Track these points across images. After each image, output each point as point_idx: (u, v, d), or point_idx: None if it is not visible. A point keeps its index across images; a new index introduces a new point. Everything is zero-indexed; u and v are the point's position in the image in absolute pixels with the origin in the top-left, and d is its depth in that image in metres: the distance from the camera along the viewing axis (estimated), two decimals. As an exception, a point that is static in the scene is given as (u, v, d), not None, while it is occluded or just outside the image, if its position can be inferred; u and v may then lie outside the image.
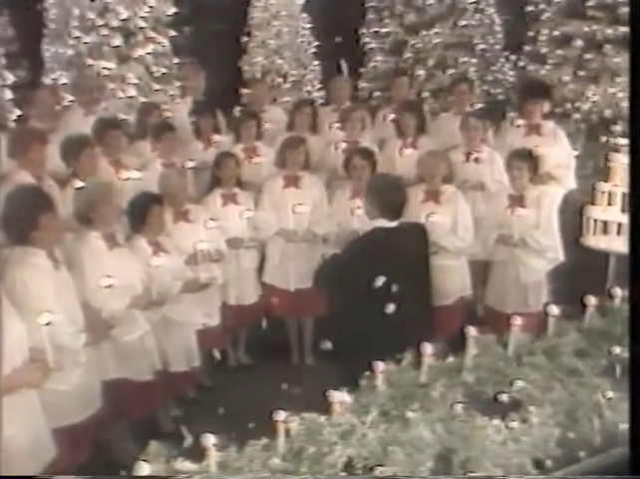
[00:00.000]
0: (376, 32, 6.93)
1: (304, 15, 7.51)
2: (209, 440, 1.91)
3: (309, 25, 7.45)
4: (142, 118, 5.05)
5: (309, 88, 7.38)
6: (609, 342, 3.02)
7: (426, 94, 6.54)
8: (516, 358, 2.78)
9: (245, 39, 7.35)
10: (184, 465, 1.95)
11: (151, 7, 5.31)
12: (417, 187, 4.51)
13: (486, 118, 5.14)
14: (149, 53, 5.35)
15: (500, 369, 2.66)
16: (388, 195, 3.34)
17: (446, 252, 4.38)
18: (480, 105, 5.99)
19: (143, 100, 5.44)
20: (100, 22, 5.21)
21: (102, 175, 4.31)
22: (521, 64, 6.79)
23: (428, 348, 2.52)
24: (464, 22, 6.64)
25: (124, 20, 5.20)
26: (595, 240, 4.53)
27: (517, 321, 2.87)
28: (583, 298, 3.11)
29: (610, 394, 2.81)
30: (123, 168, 4.47)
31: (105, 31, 5.25)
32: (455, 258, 4.45)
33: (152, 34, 5.39)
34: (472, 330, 2.64)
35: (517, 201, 4.39)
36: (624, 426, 2.79)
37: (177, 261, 3.98)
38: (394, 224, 3.32)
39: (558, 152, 4.83)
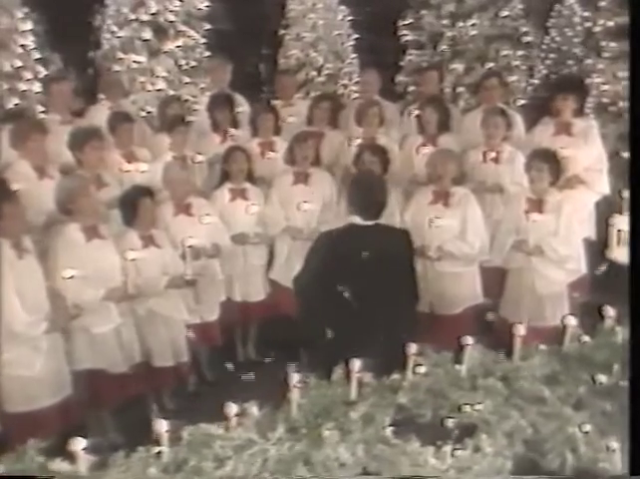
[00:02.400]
0: (412, 24, 6.63)
1: (342, 7, 7.34)
2: (79, 444, 1.86)
3: (348, 18, 7.26)
4: (162, 110, 5.10)
5: (345, 81, 7.19)
6: (591, 369, 2.71)
7: (461, 89, 6.19)
8: (471, 380, 2.54)
9: (282, 32, 7.28)
10: (60, 466, 1.91)
11: (181, 1, 5.35)
12: (426, 187, 4.27)
13: (530, 115, 4.79)
14: (178, 46, 5.38)
15: (446, 392, 2.43)
16: (368, 193, 3.15)
17: (452, 259, 4.12)
18: (522, 101, 5.57)
19: (171, 93, 5.47)
20: (132, 16, 5.30)
21: (112, 167, 4.40)
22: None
23: (356, 364, 2.34)
24: (505, 12, 6.19)
25: (154, 14, 5.28)
26: (619, 253, 4.09)
27: (521, 331, 2.63)
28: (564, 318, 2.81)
29: (587, 428, 2.53)
30: (135, 160, 4.53)
31: (136, 25, 5.34)
32: (463, 265, 4.17)
33: (182, 27, 5.42)
34: (413, 348, 2.43)
35: (536, 205, 4.04)
36: (604, 464, 2.51)
37: (169, 256, 3.97)
38: (369, 223, 3.13)
39: (589, 154, 4.39)
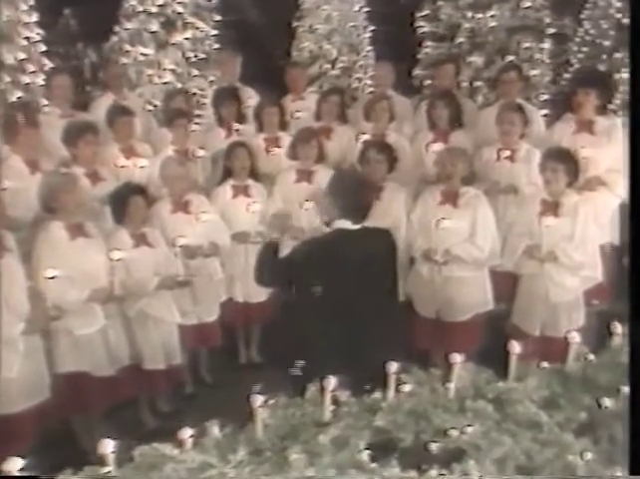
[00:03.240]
0: (428, 15, 6.34)
1: (357, -1, 7.08)
2: (15, 464, 1.71)
3: (364, 9, 6.99)
4: (167, 104, 4.98)
5: (360, 75, 6.94)
6: (596, 392, 2.47)
7: (479, 83, 5.88)
8: (459, 401, 2.33)
9: (295, 24, 7.07)
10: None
11: (190, -8, 5.22)
12: (434, 187, 4.04)
13: (555, 111, 4.50)
14: (187, 39, 5.24)
15: (430, 414, 2.22)
16: (352, 194, 2.90)
17: (460, 263, 3.89)
18: (545, 96, 5.27)
19: (179, 86, 5.34)
20: (140, 8, 5.18)
21: (109, 162, 4.29)
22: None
23: (331, 382, 2.14)
24: (528, 3, 5.85)
25: (161, 6, 5.15)
26: None
27: (516, 349, 2.41)
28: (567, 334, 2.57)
29: (589, 456, 2.30)
30: (134, 155, 4.42)
31: (143, 16, 5.21)
32: (472, 269, 3.93)
33: (191, 19, 5.27)
34: (393, 366, 2.22)
35: (551, 208, 3.78)
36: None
37: (163, 255, 3.83)
38: (356, 227, 2.91)
39: (611, 154, 4.08)
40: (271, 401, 2.08)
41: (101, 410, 3.53)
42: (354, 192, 2.88)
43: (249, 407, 2.05)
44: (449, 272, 3.92)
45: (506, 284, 4.09)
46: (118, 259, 3.38)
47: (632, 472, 2.10)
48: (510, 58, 5.88)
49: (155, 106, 5.08)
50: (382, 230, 3.08)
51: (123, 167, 4.09)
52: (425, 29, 6.46)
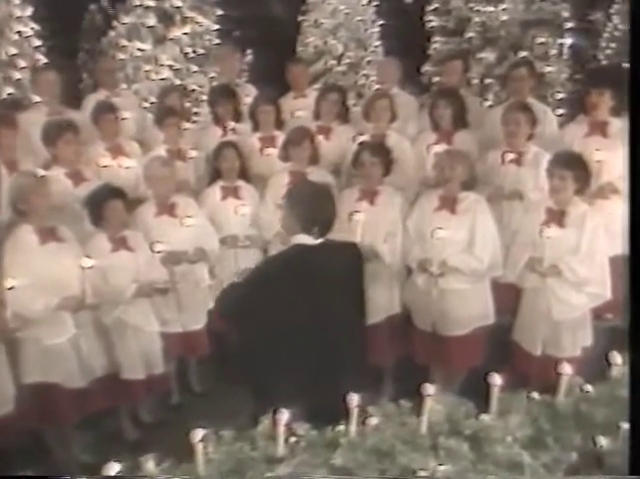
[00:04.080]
0: (438, 9, 6.02)
1: (365, -8, 6.75)
2: None
3: (373, 2, 6.69)
4: (161, 101, 4.79)
5: (367, 71, 6.65)
6: (591, 429, 2.20)
7: (490, 80, 5.56)
8: (431, 438, 2.08)
9: (300, 18, 6.80)
10: None
11: (188, -15, 5.02)
12: (432, 191, 3.79)
13: (571, 110, 4.20)
14: (185, 33, 5.05)
15: (395, 451, 1.98)
16: (311, 207, 2.62)
17: (458, 274, 3.63)
18: (562, 95, 4.95)
19: (177, 82, 5.16)
20: (137, 2, 5.01)
21: (94, 161, 4.12)
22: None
23: (284, 415, 1.92)
24: (543, -4, 5.52)
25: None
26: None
27: (497, 381, 2.14)
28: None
29: (582, 503, 2.04)
30: (122, 154, 4.25)
31: (140, 11, 5.04)
32: (470, 281, 3.67)
33: (190, 14, 5.08)
34: (354, 399, 1.99)
35: (556, 217, 3.49)
36: None
37: (144, 261, 3.64)
38: (317, 242, 2.63)
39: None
40: (216, 434, 1.87)
41: (72, 422, 3.38)
42: (313, 204, 2.60)
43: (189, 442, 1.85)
44: (445, 284, 3.66)
45: (509, 296, 3.83)
46: (89, 267, 3.20)
47: (632, 472, 2.01)
48: (524, 54, 5.55)
49: (152, 103, 4.88)
50: (347, 244, 2.83)
51: (105, 167, 3.92)
52: (434, 23, 6.14)
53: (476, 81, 5.62)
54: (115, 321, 3.52)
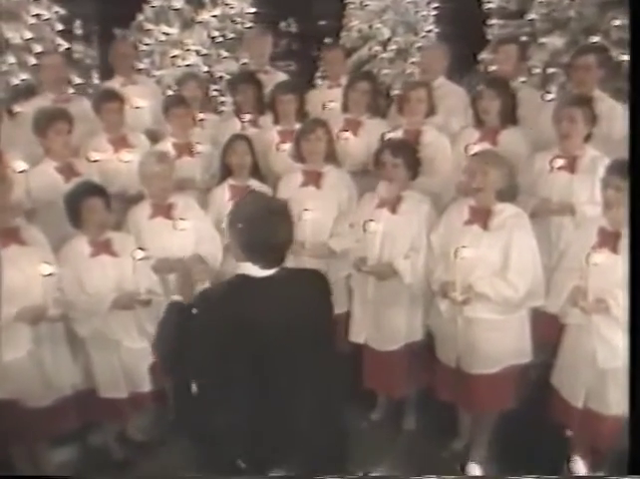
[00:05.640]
0: None
1: (418, -31, 6.01)
2: None
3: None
4: (178, 90, 4.40)
5: (416, 59, 5.90)
6: None
7: (554, 70, 4.73)
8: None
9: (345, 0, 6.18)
10: None
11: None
12: (463, 202, 3.17)
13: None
14: (214, 16, 4.62)
15: None
16: (262, 227, 2.01)
17: (487, 302, 3.00)
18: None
19: (205, 69, 4.75)
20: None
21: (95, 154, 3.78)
22: None
23: None
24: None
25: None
26: None
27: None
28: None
29: None
30: (127, 147, 3.89)
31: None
32: (502, 311, 3.04)
33: (220, -6, 4.66)
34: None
35: (609, 240, 2.80)
36: None
37: (130, 267, 3.25)
38: (268, 272, 2.05)
39: None
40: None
41: (38, 441, 3.07)
42: (263, 225, 2.01)
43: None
44: (472, 313, 3.06)
45: (555, 329, 3.16)
46: (48, 274, 2.83)
47: (632, 472, 2.04)
48: (596, 39, 4.69)
49: (175, 91, 4.50)
50: (307, 272, 2.27)
51: (95, 161, 3.56)
52: (492, 4, 5.35)
53: (537, 70, 4.85)
54: (92, 333, 3.15)
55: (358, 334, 3.54)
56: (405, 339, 3.42)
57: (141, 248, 3.12)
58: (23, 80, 4.80)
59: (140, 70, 4.74)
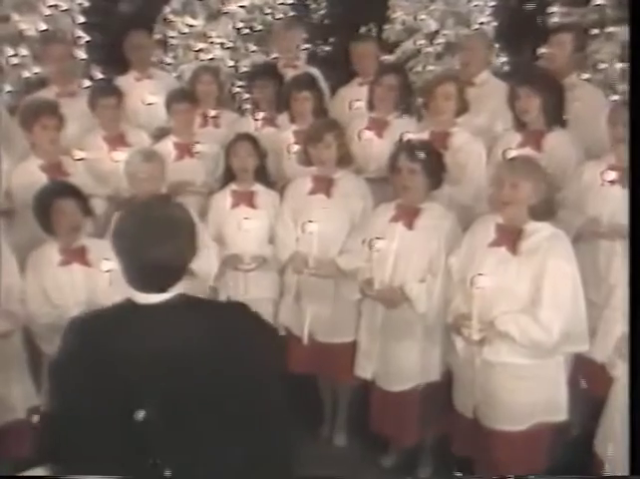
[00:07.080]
0: None
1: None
2: None
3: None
4: (192, 85, 4.03)
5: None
6: None
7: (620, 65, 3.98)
8: None
9: (390, -10, 5.61)
10: None
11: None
12: (490, 218, 2.61)
13: None
14: (242, 6, 4.24)
15: None
16: (150, 243, 1.53)
17: (512, 344, 2.43)
18: None
19: (230, 63, 4.39)
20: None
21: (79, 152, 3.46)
22: None
23: None
24: None
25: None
26: None
27: None
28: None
29: None
30: (123, 145, 3.56)
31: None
32: (532, 355, 2.46)
33: (248, -18, 4.28)
34: None
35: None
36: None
37: (107, 278, 2.90)
38: (159, 298, 1.56)
39: None
40: None
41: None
42: (151, 241, 1.52)
43: None
44: (492, 356, 2.50)
45: (603, 382, 2.54)
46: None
47: (632, 472, 1.96)
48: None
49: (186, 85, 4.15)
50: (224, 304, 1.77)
51: (81, 159, 3.23)
52: (555, -9, 4.65)
53: (604, 65, 4.14)
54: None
55: (364, 369, 3.04)
56: (418, 379, 2.89)
57: (106, 259, 2.75)
58: (36, 73, 4.62)
59: (162, 64, 4.39)
